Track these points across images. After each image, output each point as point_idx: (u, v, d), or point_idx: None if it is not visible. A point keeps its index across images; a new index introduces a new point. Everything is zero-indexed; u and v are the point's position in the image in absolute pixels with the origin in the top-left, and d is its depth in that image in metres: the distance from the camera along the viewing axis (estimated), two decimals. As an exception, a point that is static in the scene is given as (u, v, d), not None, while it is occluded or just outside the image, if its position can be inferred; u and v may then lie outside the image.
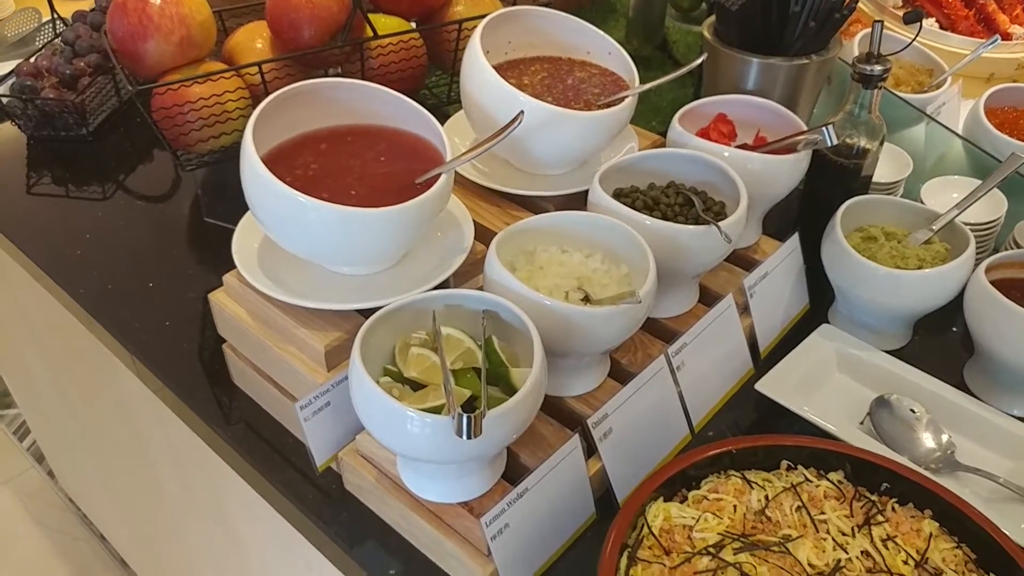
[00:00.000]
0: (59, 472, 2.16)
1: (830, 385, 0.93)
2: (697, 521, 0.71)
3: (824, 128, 0.88)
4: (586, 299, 0.78)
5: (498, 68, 0.95)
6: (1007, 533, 0.68)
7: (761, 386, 0.89)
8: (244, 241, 0.86)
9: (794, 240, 0.99)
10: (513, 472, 0.77)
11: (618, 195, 0.90)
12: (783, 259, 0.98)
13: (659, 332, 0.92)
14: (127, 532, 1.88)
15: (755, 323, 0.95)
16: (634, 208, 0.86)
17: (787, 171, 0.94)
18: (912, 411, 0.86)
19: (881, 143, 0.99)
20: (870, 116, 0.97)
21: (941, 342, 0.99)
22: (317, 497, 0.83)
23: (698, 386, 0.88)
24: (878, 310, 0.94)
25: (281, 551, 1.05)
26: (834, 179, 1.01)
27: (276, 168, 0.77)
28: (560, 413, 0.82)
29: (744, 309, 0.94)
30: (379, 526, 0.80)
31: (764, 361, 0.96)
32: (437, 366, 0.69)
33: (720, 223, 0.82)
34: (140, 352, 0.98)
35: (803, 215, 1.06)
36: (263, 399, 0.89)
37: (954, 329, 1.00)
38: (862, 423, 0.87)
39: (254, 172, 0.76)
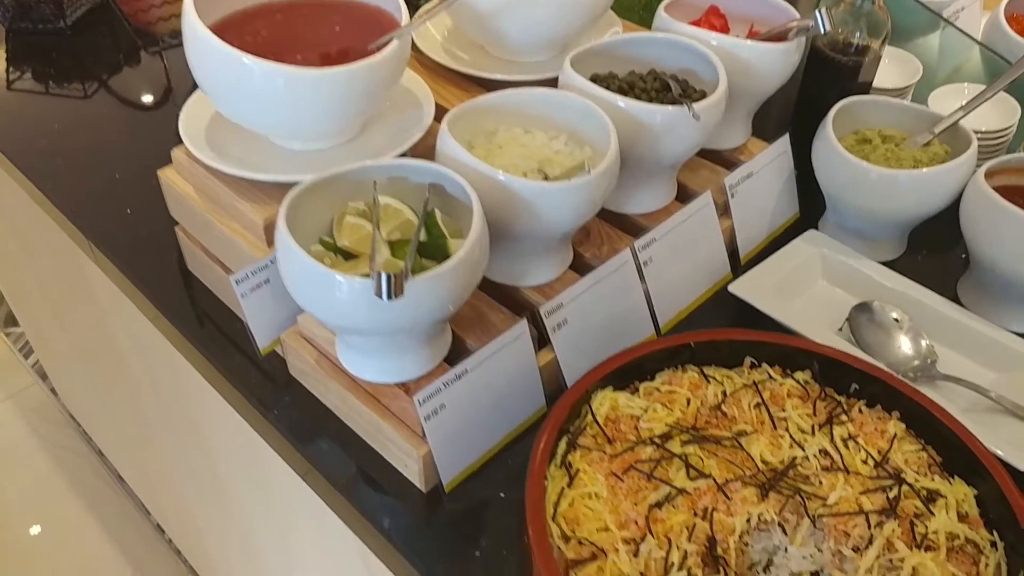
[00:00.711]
0: (60, 389, 2.17)
1: (812, 292, 0.88)
2: (646, 412, 0.67)
3: (817, 12, 0.81)
4: (545, 180, 0.73)
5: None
6: (977, 437, 0.63)
7: (736, 288, 0.83)
8: (194, 115, 0.82)
9: (784, 142, 0.93)
10: (458, 357, 0.73)
11: (594, 80, 0.84)
12: (771, 161, 0.92)
13: (630, 228, 0.86)
14: (121, 448, 1.88)
15: (735, 226, 0.89)
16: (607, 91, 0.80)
17: (776, 61, 0.87)
18: (895, 319, 0.81)
19: (884, 41, 0.92)
20: (873, 8, 0.89)
21: (937, 258, 0.93)
22: (261, 382, 0.79)
23: (667, 286, 0.83)
24: (869, 216, 0.88)
25: (239, 451, 1.03)
26: (831, 79, 0.94)
27: (224, 34, 0.73)
28: (514, 303, 0.78)
29: (724, 210, 0.89)
30: (322, 412, 0.76)
31: (744, 268, 0.90)
32: (371, 235, 0.65)
33: (694, 104, 0.76)
34: (98, 240, 0.95)
35: (797, 118, 1.00)
36: (213, 282, 0.86)
37: (952, 247, 0.94)
38: (840, 330, 0.81)
39: (193, 32, 0.72)
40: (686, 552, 0.58)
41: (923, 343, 0.79)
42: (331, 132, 0.78)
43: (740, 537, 0.59)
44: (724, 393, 0.69)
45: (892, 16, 0.91)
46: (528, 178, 0.72)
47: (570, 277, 0.80)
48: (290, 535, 1.08)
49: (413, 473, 0.69)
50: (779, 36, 0.88)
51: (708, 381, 0.70)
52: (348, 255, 0.67)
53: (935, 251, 0.93)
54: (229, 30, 0.77)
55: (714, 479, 0.61)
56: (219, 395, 0.86)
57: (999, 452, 0.68)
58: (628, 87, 0.82)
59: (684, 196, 0.90)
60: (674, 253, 0.83)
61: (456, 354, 0.73)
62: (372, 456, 0.73)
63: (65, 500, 2.01)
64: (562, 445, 0.64)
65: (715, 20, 0.95)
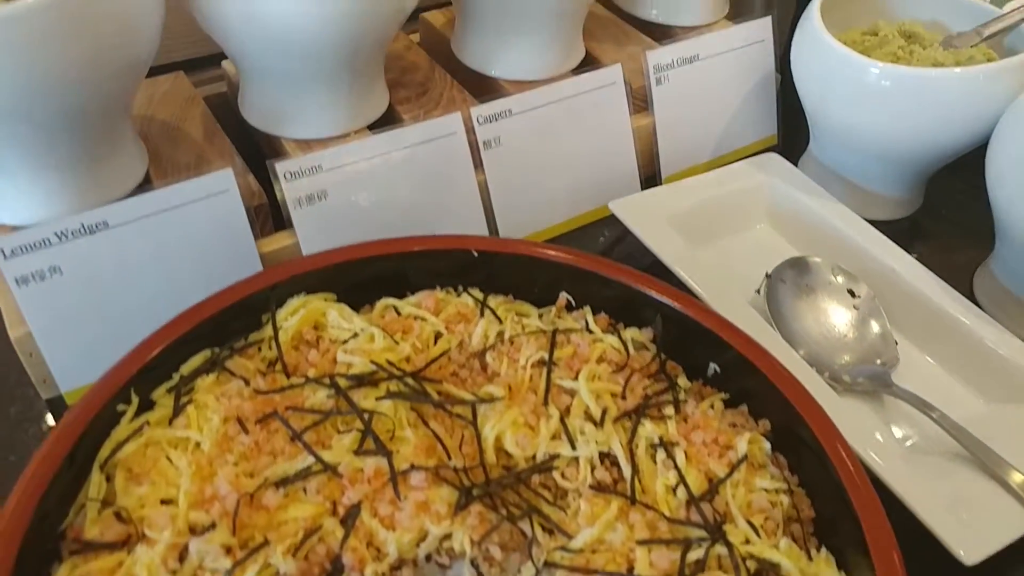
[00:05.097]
0: None
1: (744, 238, 0.59)
2: (356, 336, 0.41)
3: None
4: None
5: None
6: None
7: (619, 207, 0.56)
8: None
9: (762, 25, 0.64)
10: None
11: None
12: (734, 48, 0.63)
13: (487, 93, 0.60)
14: None
15: (656, 127, 0.61)
16: None
17: None
18: (848, 291, 0.52)
19: None
20: None
21: (966, 227, 0.62)
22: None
23: (524, 187, 0.57)
24: (860, 144, 0.58)
25: None
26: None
27: None
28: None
29: (645, 103, 0.61)
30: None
31: (666, 193, 0.62)
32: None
33: None
34: None
35: (802, 4, 0.70)
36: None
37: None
38: (759, 292, 0.53)
39: None
40: (278, 574, 0.32)
41: (877, 331, 0.50)
42: None
43: (392, 570, 0.33)
44: (501, 336, 0.42)
45: None
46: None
47: (356, 138, 0.54)
48: None
49: None
50: None
51: (484, 313, 0.44)
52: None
53: (964, 215, 0.63)
54: None
55: (390, 461, 0.35)
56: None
57: (933, 525, 0.39)
58: None
59: (589, 70, 0.62)
60: (542, 141, 0.56)
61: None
62: None
63: None
64: (197, 360, 0.40)
65: None
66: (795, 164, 0.65)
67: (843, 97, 0.56)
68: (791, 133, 0.68)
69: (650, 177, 0.63)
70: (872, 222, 0.57)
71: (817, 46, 0.57)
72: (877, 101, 0.55)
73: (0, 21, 0.37)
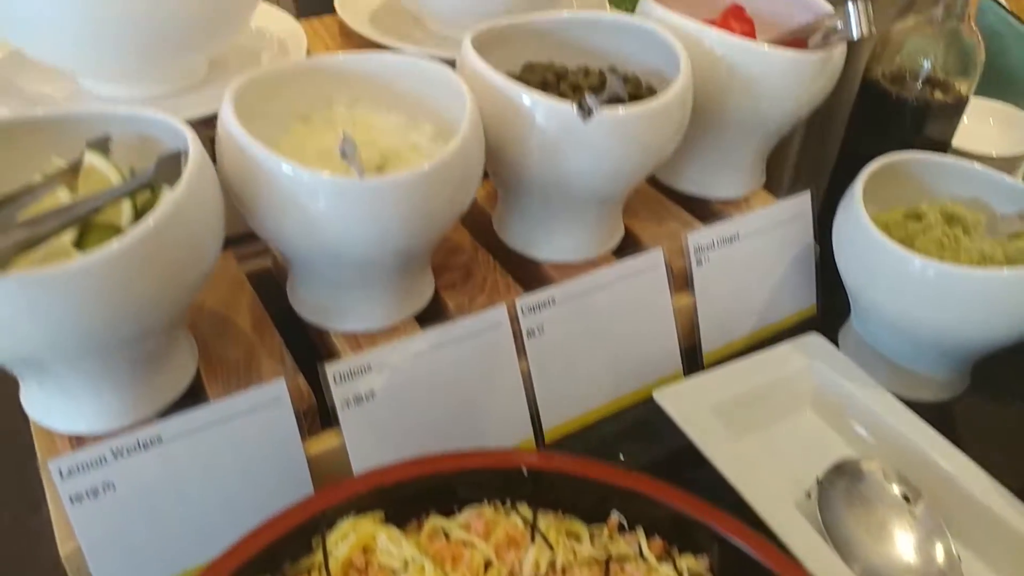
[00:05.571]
0: None
1: (791, 427, 0.58)
2: (407, 568, 0.41)
3: (848, 4, 0.53)
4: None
5: None
6: None
7: (664, 396, 0.55)
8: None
9: (801, 201, 0.65)
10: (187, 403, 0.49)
11: (528, 68, 0.60)
12: (775, 225, 0.64)
13: (537, 279, 0.61)
14: None
15: (698, 307, 0.62)
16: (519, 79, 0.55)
17: (786, 74, 0.59)
18: (901, 496, 0.51)
19: (973, 78, 0.62)
20: (960, 26, 0.61)
21: (1015, 406, 0.62)
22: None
23: (565, 373, 0.57)
24: (905, 331, 0.58)
25: None
26: (887, 123, 0.65)
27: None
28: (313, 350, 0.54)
29: (686, 282, 0.61)
30: None
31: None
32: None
33: (601, 100, 0.49)
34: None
35: (838, 174, 0.71)
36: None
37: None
38: (809, 498, 0.52)
39: None
40: None
41: (940, 554, 0.48)
42: (148, 69, 0.57)
43: None
44: (553, 566, 0.42)
45: (994, 47, 0.61)
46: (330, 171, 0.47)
47: (403, 328, 0.55)
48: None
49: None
50: (801, 40, 0.60)
51: (534, 539, 0.43)
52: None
53: (1018, 392, 0.62)
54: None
55: None
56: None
57: None
58: (556, 78, 0.57)
59: (630, 249, 0.63)
60: (585, 326, 0.57)
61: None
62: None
63: None
64: (244, 595, 0.39)
65: (735, 23, 0.68)
66: (836, 335, 0.65)
67: (887, 286, 0.57)
68: (831, 300, 0.68)
69: (690, 350, 0.63)
70: (919, 404, 0.56)
71: (860, 233, 0.57)
72: (922, 293, 0.55)
73: (77, 272, 0.38)
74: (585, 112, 0.47)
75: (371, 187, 0.44)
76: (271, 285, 0.60)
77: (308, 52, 0.66)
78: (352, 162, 0.44)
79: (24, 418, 0.49)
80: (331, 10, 0.76)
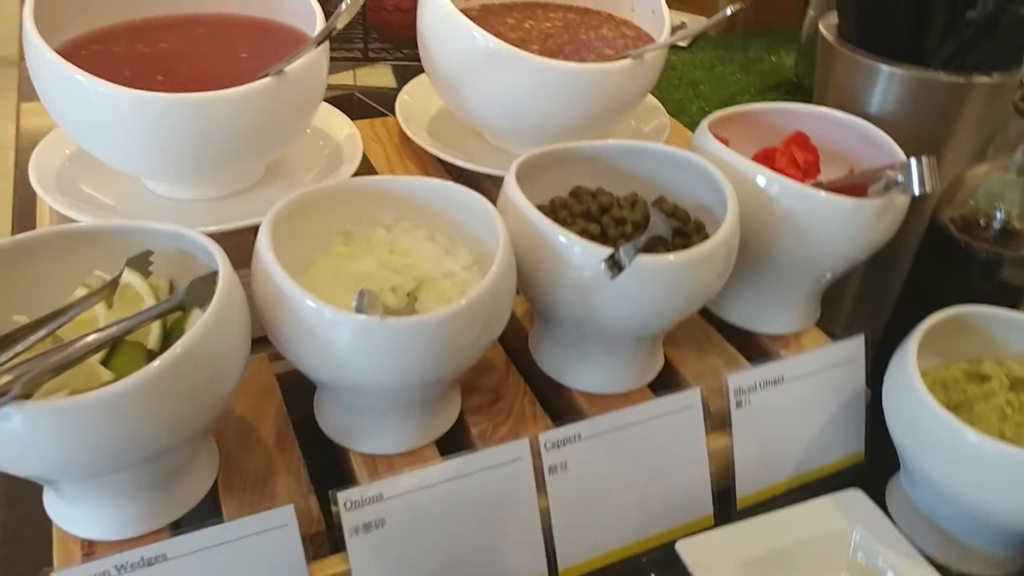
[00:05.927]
0: None
1: (824, 592, 0.55)
2: None
3: (912, 161, 0.51)
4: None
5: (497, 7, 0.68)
6: None
7: (686, 548, 0.53)
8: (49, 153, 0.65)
9: (854, 346, 0.62)
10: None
11: (573, 195, 0.59)
12: (824, 367, 0.61)
13: (569, 409, 0.59)
14: None
15: (735, 450, 0.59)
16: (556, 215, 0.55)
17: (841, 220, 0.56)
18: None
19: (1053, 232, 0.59)
20: (1037, 178, 0.57)
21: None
22: None
23: (588, 511, 0.55)
24: (957, 504, 0.54)
25: None
26: (953, 271, 0.62)
27: (78, 55, 0.57)
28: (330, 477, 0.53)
29: (723, 423, 0.59)
30: None
31: (739, 516, 0.59)
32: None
33: (636, 249, 0.48)
34: None
35: (897, 318, 0.67)
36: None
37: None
38: None
39: (33, 48, 0.55)
40: None
41: None
42: (208, 175, 0.59)
43: None
44: None
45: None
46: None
47: (422, 453, 0.54)
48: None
49: None
50: (863, 186, 0.58)
51: None
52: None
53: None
54: (86, 47, 0.61)
55: None
56: None
57: None
58: (600, 211, 0.56)
59: (667, 384, 0.61)
60: (611, 464, 0.55)
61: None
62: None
63: None
64: None
65: (799, 152, 0.66)
66: (884, 486, 0.61)
67: (938, 456, 0.53)
68: (880, 446, 0.64)
69: (724, 492, 0.60)
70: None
71: (911, 395, 0.54)
72: (978, 470, 0.51)
73: (109, 399, 0.39)
74: (614, 269, 0.46)
75: (393, 327, 0.44)
76: (301, 388, 0.60)
77: (364, 155, 0.67)
78: (370, 314, 0.43)
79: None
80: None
